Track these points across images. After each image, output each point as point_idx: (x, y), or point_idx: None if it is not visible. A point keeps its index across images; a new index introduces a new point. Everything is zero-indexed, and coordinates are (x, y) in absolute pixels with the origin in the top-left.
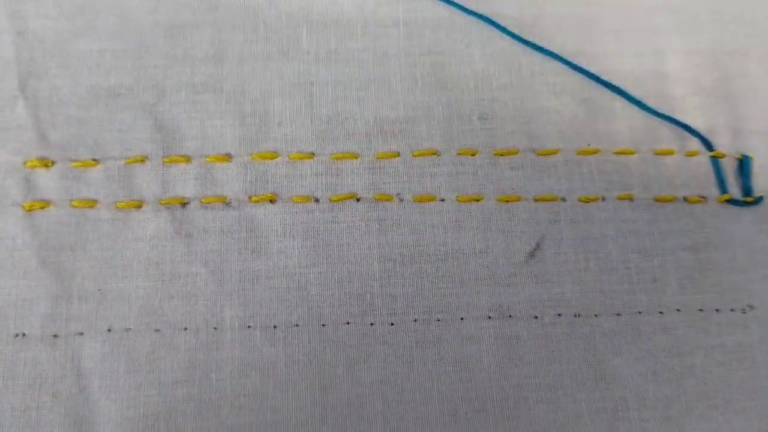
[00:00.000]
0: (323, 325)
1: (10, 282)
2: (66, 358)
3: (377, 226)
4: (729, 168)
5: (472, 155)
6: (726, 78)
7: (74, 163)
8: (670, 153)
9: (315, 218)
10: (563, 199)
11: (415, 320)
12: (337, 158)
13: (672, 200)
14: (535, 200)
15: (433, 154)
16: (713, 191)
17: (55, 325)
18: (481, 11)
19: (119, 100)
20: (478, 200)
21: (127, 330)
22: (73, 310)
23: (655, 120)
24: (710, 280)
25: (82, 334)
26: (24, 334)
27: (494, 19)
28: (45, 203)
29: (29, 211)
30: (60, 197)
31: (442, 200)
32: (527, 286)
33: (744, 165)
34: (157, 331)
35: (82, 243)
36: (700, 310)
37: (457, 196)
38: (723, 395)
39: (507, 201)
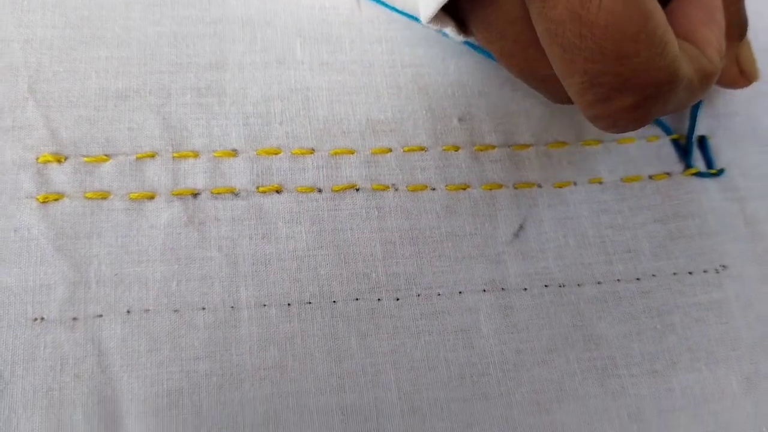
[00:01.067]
0: (334, 302)
1: (27, 269)
2: (86, 339)
3: (376, 212)
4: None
5: (456, 150)
6: None
7: (86, 159)
8: (631, 141)
9: (319, 206)
10: (540, 186)
11: (418, 295)
12: (335, 154)
13: (639, 180)
14: (515, 187)
15: (422, 150)
16: (677, 168)
17: (73, 308)
18: None
19: (127, 101)
20: (465, 189)
21: (147, 311)
22: (91, 294)
23: None
24: (681, 246)
25: (101, 316)
26: (42, 318)
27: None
28: (59, 195)
29: (43, 202)
30: (73, 190)
31: (433, 189)
32: (515, 262)
33: (704, 143)
34: (176, 311)
35: (97, 231)
36: (674, 273)
37: (446, 186)
38: (704, 348)
39: (491, 189)
